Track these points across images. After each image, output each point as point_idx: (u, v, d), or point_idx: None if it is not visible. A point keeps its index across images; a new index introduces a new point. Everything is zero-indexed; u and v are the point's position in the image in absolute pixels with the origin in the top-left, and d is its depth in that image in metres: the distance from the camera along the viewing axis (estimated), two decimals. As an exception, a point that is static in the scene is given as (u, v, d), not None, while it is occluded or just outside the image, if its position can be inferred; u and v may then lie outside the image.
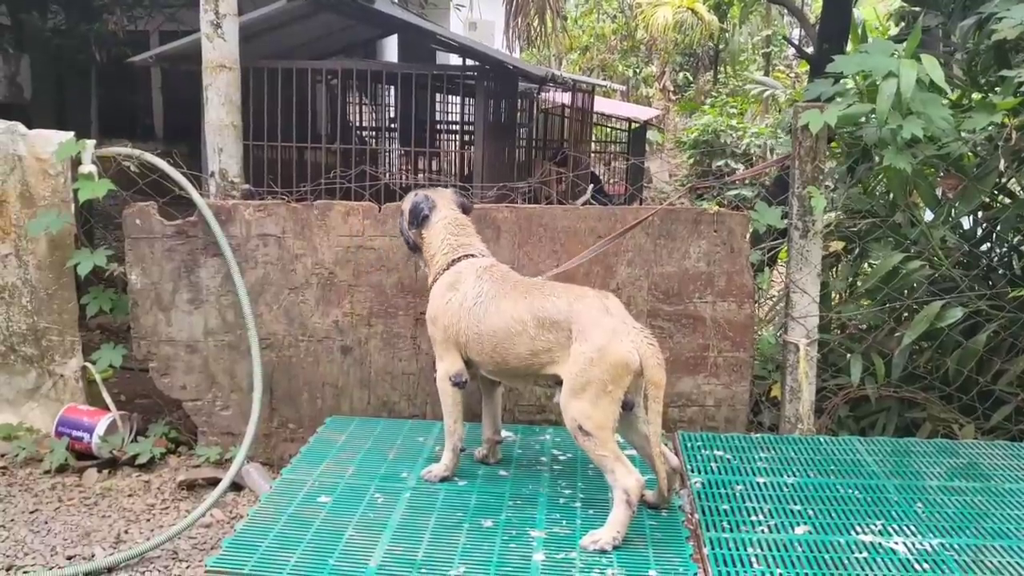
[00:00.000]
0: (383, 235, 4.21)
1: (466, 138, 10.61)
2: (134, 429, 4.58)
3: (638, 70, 22.22)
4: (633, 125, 14.42)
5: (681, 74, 24.25)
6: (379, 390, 4.36)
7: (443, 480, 3.50)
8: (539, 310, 3.19)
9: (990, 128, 4.10)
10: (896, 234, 4.17)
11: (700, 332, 4.23)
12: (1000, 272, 4.26)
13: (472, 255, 3.47)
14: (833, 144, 4.49)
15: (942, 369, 4.27)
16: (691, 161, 15.38)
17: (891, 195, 4.26)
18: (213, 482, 4.19)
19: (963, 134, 4.05)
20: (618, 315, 3.12)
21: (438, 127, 11.28)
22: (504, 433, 3.76)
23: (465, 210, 3.62)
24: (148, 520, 3.90)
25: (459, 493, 3.43)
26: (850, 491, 3.51)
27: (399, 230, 3.71)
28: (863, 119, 4.08)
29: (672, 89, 23.78)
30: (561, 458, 3.81)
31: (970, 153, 4.24)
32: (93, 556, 3.56)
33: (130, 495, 4.13)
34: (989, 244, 4.61)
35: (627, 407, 3.13)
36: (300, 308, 4.31)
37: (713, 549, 3.03)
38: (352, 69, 8.00)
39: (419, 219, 3.53)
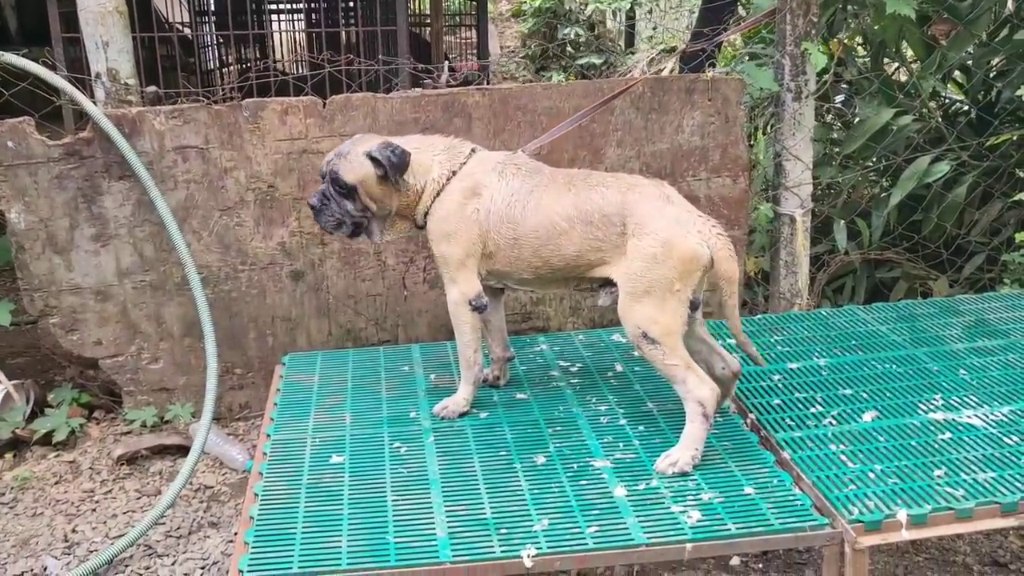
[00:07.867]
0: (331, 135, 3.50)
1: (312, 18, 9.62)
2: (31, 400, 3.75)
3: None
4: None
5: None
6: (341, 317, 3.75)
7: (461, 415, 3.03)
8: (586, 202, 2.72)
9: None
10: (887, 88, 3.92)
11: (694, 213, 3.87)
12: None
13: (474, 149, 2.92)
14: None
15: (922, 226, 4.15)
16: (530, 31, 14.65)
17: (874, 48, 3.98)
18: (159, 451, 3.51)
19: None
20: (679, 203, 2.71)
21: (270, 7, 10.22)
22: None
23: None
24: (94, 511, 3.18)
25: (488, 428, 2.97)
26: (887, 365, 3.31)
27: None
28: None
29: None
30: (573, 369, 3.40)
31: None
32: (46, 570, 2.84)
33: (57, 482, 3.37)
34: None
35: (693, 307, 2.75)
36: (236, 232, 3.57)
37: (795, 452, 2.75)
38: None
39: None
